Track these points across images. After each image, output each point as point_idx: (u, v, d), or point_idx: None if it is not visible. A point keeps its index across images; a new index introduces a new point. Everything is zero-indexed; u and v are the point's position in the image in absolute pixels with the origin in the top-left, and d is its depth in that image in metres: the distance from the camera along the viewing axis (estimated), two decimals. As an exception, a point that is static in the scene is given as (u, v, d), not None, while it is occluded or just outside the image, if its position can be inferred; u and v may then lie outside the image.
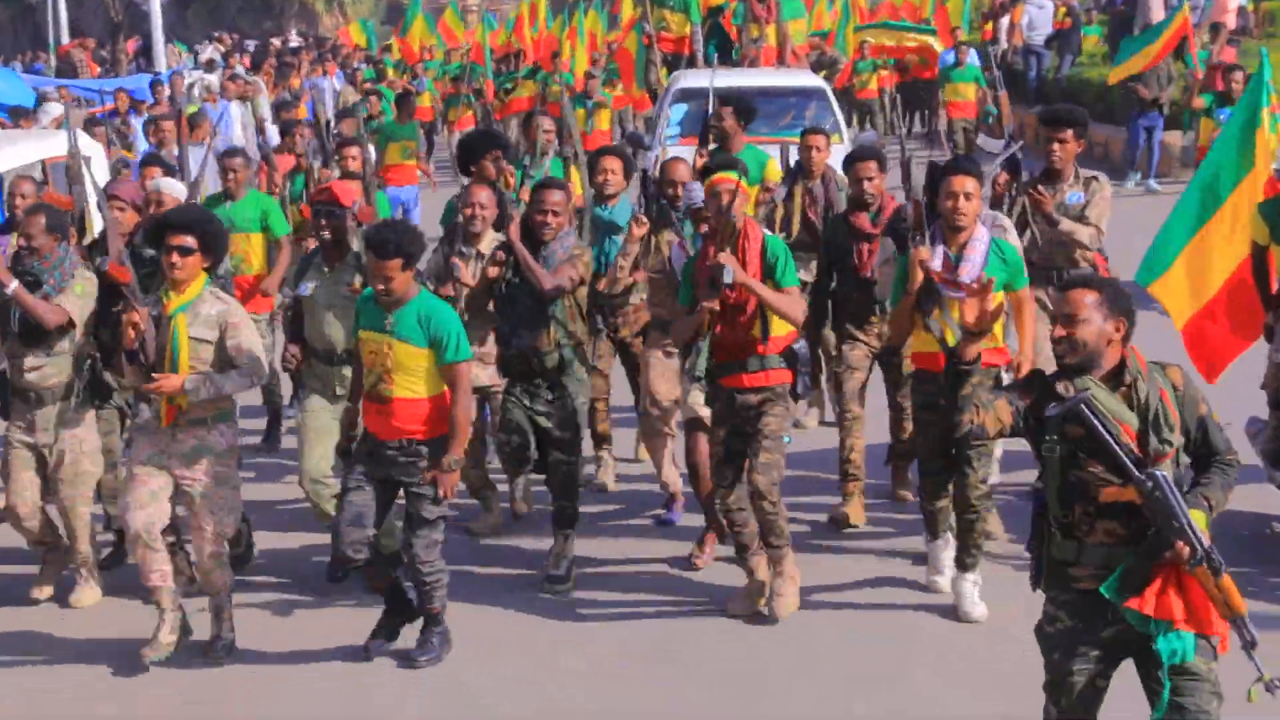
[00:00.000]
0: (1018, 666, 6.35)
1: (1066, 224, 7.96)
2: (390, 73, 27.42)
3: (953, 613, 7.07)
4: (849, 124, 16.77)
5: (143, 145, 16.34)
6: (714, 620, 7.18)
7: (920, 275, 6.72)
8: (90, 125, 16.30)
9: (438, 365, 6.51)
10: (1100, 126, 20.15)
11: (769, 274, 6.83)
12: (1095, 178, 8.15)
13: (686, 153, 9.82)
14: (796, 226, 9.20)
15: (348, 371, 7.31)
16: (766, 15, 16.50)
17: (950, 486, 7.07)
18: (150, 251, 7.41)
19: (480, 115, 21.60)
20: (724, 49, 16.86)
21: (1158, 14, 22.83)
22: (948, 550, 7.25)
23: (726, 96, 10.02)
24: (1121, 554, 4.72)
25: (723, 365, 7.00)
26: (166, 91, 22.12)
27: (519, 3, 26.46)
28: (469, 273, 7.84)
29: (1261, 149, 8.22)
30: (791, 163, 9.62)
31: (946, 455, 6.99)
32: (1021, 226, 7.98)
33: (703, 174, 7.22)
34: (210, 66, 28.34)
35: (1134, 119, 19.03)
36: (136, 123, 19.17)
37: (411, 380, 6.52)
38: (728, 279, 6.66)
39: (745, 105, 9.69)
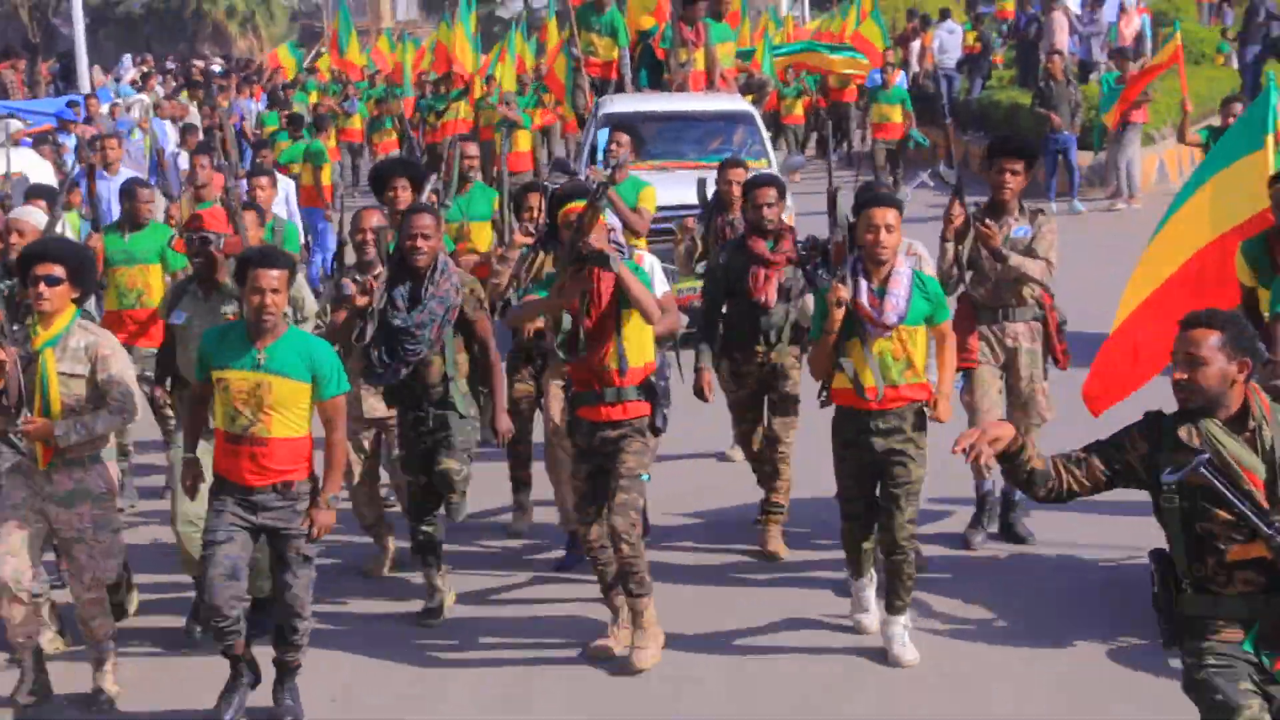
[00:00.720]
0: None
1: (1016, 259, 7.59)
2: (313, 95, 27.59)
3: (883, 656, 6.90)
4: (775, 147, 17.14)
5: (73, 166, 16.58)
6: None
7: (840, 314, 6.59)
8: (39, 144, 16.56)
9: (318, 399, 6.20)
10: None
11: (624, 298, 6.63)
12: (1041, 210, 7.86)
13: None
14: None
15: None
16: (695, 39, 16.11)
17: (875, 528, 6.89)
18: (6, 283, 7.06)
19: (402, 136, 21.90)
20: (655, 73, 16.57)
21: (1062, 39, 23.77)
22: (872, 587, 7.07)
23: (620, 123, 10.10)
24: (1263, 602, 4.51)
25: (580, 396, 6.85)
26: (83, 113, 22.18)
27: (438, 26, 26.82)
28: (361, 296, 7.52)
29: (1260, 177, 7.75)
30: (709, 194, 9.48)
31: (869, 494, 6.83)
32: (968, 262, 7.71)
33: (553, 203, 7.05)
34: (134, 86, 28.45)
35: (1044, 142, 19.74)
36: (68, 141, 19.40)
37: (292, 417, 6.16)
38: (614, 266, 6.51)
39: (637, 133, 9.80)
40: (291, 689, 6.48)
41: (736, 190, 8.68)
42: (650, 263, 7.61)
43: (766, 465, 8.20)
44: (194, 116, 23.70)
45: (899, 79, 21.41)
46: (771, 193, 7.97)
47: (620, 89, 16.41)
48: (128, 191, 9.75)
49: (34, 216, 8.43)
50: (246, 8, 51.10)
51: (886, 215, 6.65)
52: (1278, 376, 6.50)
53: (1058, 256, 7.70)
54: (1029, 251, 7.63)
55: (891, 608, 6.87)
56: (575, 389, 6.88)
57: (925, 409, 6.79)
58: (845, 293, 6.56)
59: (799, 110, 22.07)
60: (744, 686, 6.77)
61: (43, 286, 6.27)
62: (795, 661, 6.98)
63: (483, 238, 9.93)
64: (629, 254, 7.25)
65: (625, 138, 9.64)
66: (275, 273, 6.07)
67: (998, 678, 6.73)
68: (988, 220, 7.63)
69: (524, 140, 19.74)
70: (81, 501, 6.43)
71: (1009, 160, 7.69)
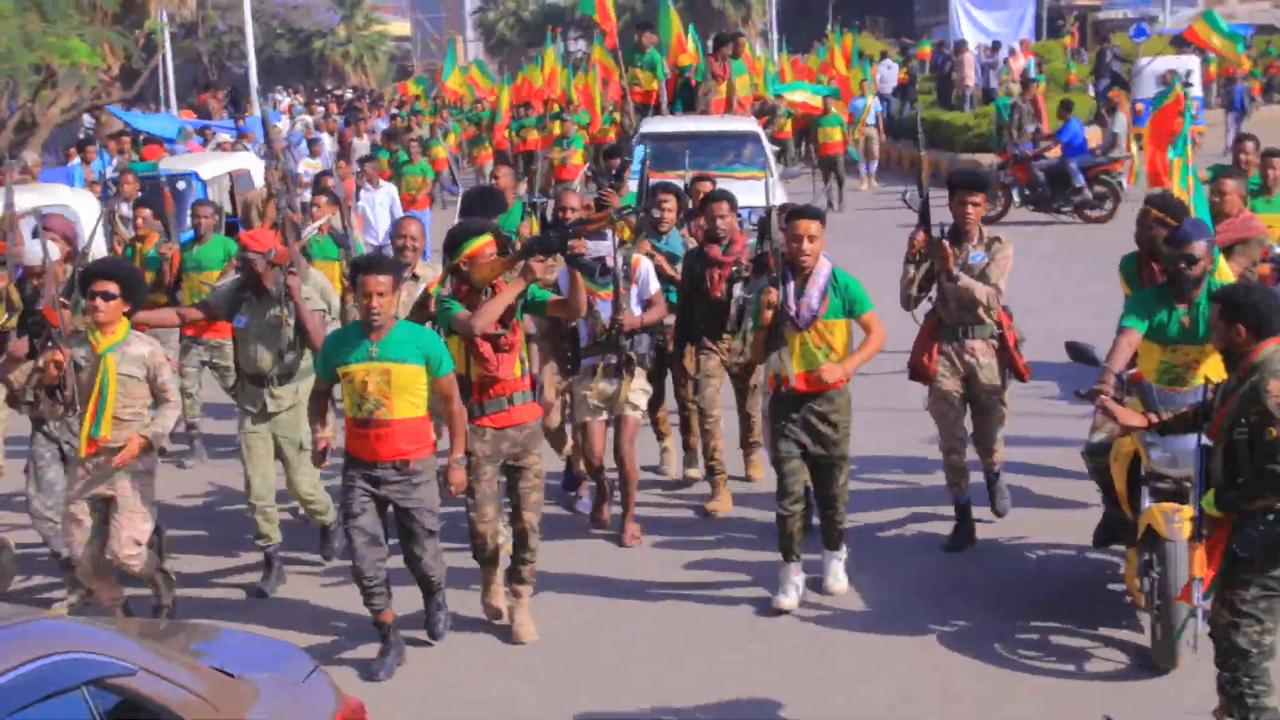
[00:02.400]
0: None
1: (964, 280, 6.58)
2: (423, 117, 27.51)
3: (818, 589, 6.30)
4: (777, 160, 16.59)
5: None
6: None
7: (769, 314, 6.02)
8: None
9: (432, 378, 5.57)
10: (935, 152, 22.06)
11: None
12: (998, 239, 6.74)
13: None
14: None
15: (277, 391, 6.52)
16: (722, 73, 16.30)
17: (809, 489, 6.25)
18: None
19: (497, 151, 21.83)
20: (688, 100, 16.82)
21: (970, 73, 24.75)
22: (798, 576, 6.24)
23: (609, 150, 9.71)
24: None
25: (487, 404, 5.82)
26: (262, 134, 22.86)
27: (529, 63, 27.25)
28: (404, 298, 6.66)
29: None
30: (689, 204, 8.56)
31: (802, 468, 6.14)
32: (928, 281, 6.73)
33: (456, 240, 5.88)
34: (291, 112, 29.42)
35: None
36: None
37: (413, 399, 5.56)
38: (597, 277, 6.18)
39: (622, 158, 9.26)
40: (440, 604, 5.99)
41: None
42: (646, 265, 7.17)
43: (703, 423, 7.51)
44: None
45: (835, 108, 20.56)
46: (724, 206, 7.41)
47: (658, 112, 16.41)
48: (192, 210, 9.27)
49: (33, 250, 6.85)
50: (357, 51, 51.88)
51: (810, 226, 6.07)
52: (1103, 381, 5.60)
53: (1007, 282, 6.70)
54: (982, 276, 6.63)
55: (830, 543, 6.38)
56: (480, 398, 5.82)
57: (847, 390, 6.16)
58: (776, 296, 6.01)
59: (788, 128, 22.75)
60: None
61: (99, 301, 5.81)
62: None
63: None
64: (623, 261, 6.98)
65: (673, 201, 8.11)
66: (382, 278, 5.52)
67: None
68: (945, 242, 6.64)
69: (578, 155, 19.34)
70: (122, 478, 5.92)
71: (969, 193, 6.66)
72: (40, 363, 5.87)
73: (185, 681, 3.42)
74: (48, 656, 3.06)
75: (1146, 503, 5.49)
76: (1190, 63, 25.74)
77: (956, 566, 6.70)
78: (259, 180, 14.35)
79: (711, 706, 5.38)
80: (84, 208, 10.94)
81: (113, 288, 5.84)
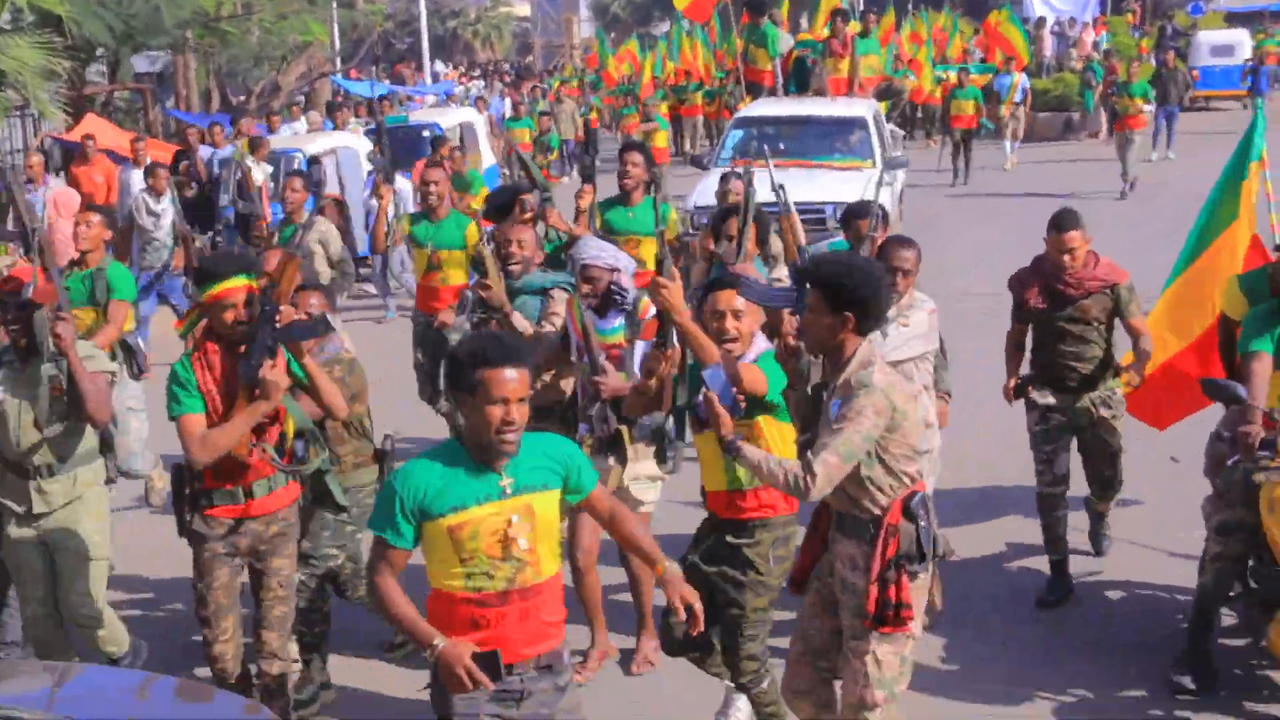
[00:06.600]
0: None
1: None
2: (557, 84, 28.05)
3: None
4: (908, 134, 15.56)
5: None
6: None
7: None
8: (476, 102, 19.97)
9: (577, 500, 3.36)
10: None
11: None
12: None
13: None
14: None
15: (48, 486, 4.64)
16: (842, 50, 14.88)
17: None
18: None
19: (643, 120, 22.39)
20: (804, 81, 15.25)
21: (1046, 47, 26.60)
22: (742, 698, 4.44)
23: (631, 144, 7.53)
24: None
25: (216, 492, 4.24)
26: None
27: (671, 32, 27.53)
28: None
29: (1245, 205, 5.82)
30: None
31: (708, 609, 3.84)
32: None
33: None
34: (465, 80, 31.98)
35: (1159, 108, 19.33)
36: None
37: (555, 543, 3.31)
38: None
39: (647, 153, 7.26)
40: None
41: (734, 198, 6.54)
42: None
43: None
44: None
45: (969, 80, 19.30)
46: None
47: (772, 94, 15.02)
48: (421, 180, 7.56)
49: None
50: (485, 30, 54.98)
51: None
52: (1250, 420, 4.44)
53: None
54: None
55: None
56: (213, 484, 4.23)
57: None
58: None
59: (938, 95, 21.47)
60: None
61: None
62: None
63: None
64: (632, 302, 4.85)
65: (636, 155, 7.04)
66: (517, 373, 3.12)
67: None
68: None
69: (661, 138, 17.86)
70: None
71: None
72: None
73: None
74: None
75: None
76: (1240, 35, 27.73)
77: (1049, 616, 5.37)
78: (481, 133, 16.21)
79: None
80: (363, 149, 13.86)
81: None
